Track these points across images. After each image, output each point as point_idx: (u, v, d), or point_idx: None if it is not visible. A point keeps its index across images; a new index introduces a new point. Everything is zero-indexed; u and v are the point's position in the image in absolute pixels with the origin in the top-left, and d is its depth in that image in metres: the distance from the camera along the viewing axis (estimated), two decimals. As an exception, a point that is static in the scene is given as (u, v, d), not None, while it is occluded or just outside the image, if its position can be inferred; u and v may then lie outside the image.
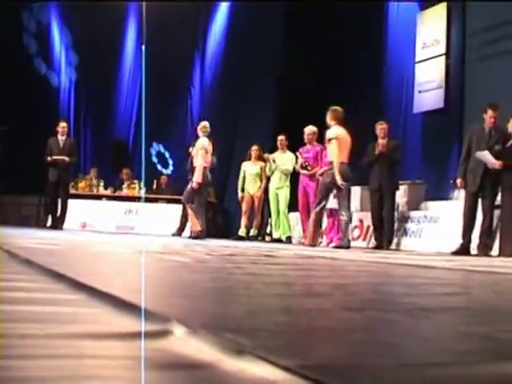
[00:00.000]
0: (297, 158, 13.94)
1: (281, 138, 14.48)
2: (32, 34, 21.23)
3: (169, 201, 17.64)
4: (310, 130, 13.66)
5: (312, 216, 11.45)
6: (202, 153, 12.54)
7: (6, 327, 1.45)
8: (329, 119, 11.26)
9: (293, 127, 14.68)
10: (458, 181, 10.94)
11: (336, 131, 11.10)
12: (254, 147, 14.80)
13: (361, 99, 16.89)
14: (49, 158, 14.68)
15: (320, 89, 17.72)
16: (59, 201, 15.04)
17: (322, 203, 11.29)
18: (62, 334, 1.41)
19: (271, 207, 14.37)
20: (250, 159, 14.79)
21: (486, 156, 10.47)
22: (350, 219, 11.74)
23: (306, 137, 13.63)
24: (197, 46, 21.92)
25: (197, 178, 12.44)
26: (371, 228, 13.01)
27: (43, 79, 21.33)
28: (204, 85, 21.67)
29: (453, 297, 2.68)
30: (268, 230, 15.32)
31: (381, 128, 12.39)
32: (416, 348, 1.35)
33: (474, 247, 10.50)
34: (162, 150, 20.91)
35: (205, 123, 13.17)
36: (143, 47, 20.80)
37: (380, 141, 12.20)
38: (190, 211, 12.85)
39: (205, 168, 12.58)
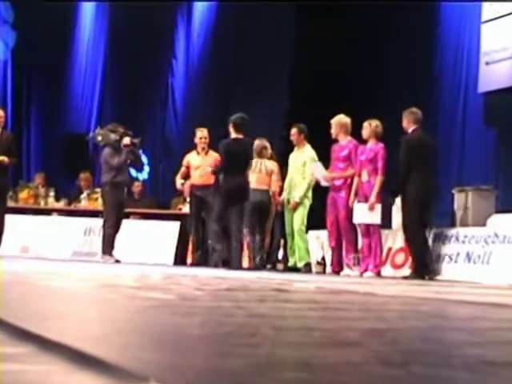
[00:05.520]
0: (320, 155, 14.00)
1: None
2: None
3: (144, 216, 17.58)
4: (338, 120, 13.56)
5: None
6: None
7: None
8: None
9: (308, 116, 14.76)
10: None
11: None
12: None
13: (405, 74, 16.88)
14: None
15: (346, 66, 17.73)
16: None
17: None
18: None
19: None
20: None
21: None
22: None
23: (333, 130, 13.54)
24: (180, 6, 21.87)
25: None
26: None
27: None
28: (190, 57, 21.63)
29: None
30: (280, 256, 15.28)
31: None
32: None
33: None
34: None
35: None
36: None
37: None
38: None
39: None
